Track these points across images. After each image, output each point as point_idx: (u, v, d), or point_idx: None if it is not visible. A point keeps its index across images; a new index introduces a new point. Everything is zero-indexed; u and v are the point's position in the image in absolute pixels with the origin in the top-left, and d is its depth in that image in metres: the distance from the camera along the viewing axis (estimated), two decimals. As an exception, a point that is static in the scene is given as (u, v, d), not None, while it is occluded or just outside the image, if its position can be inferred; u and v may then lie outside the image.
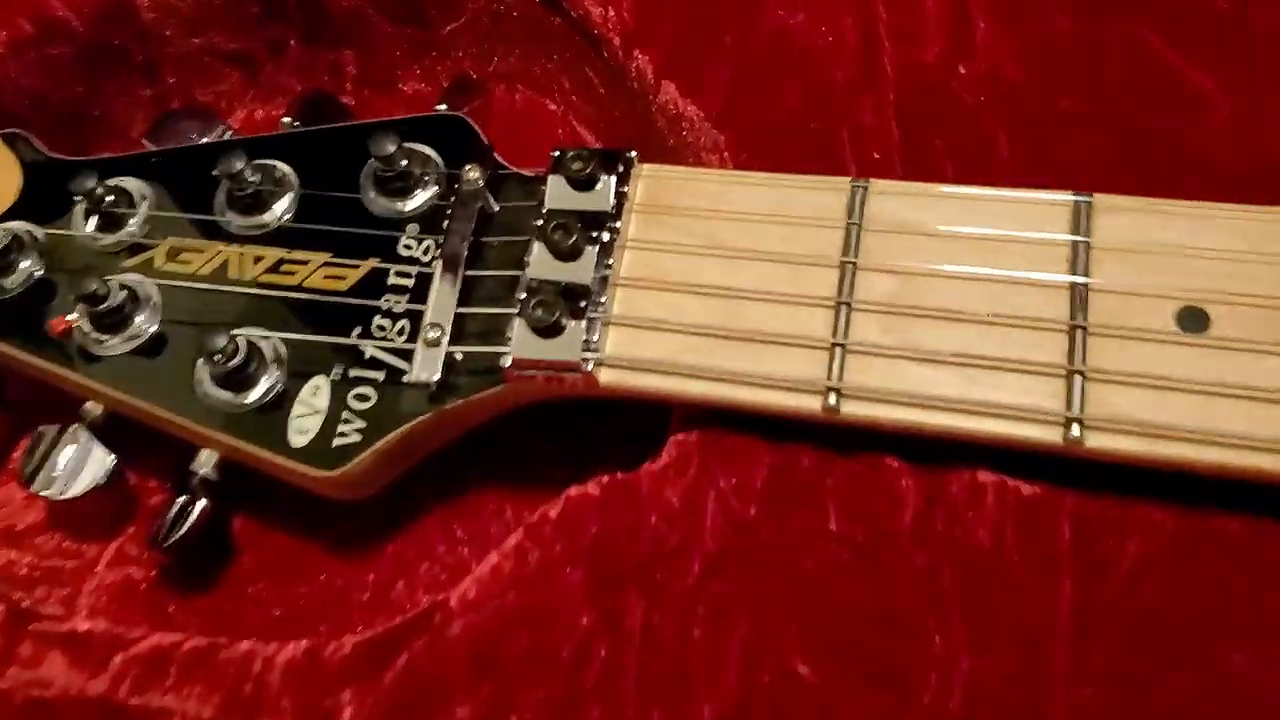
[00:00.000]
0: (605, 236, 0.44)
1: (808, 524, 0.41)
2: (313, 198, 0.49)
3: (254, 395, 0.45)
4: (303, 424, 0.45)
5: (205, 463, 0.47)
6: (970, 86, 0.50)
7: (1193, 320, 0.39)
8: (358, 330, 0.46)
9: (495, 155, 0.49)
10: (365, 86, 0.65)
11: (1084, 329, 0.40)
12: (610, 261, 0.44)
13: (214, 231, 0.49)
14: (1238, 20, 0.49)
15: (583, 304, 0.43)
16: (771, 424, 0.43)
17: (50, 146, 0.53)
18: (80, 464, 0.48)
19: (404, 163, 0.47)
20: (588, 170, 0.45)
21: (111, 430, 0.48)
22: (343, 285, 0.47)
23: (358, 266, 0.47)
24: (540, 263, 0.44)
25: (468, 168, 0.47)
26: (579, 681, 0.40)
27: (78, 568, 0.53)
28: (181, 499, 0.47)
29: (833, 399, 0.40)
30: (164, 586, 0.51)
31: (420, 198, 0.48)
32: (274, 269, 0.48)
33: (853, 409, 0.40)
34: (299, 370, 0.46)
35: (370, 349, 0.45)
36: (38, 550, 0.53)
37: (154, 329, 0.47)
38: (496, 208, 0.47)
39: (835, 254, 0.43)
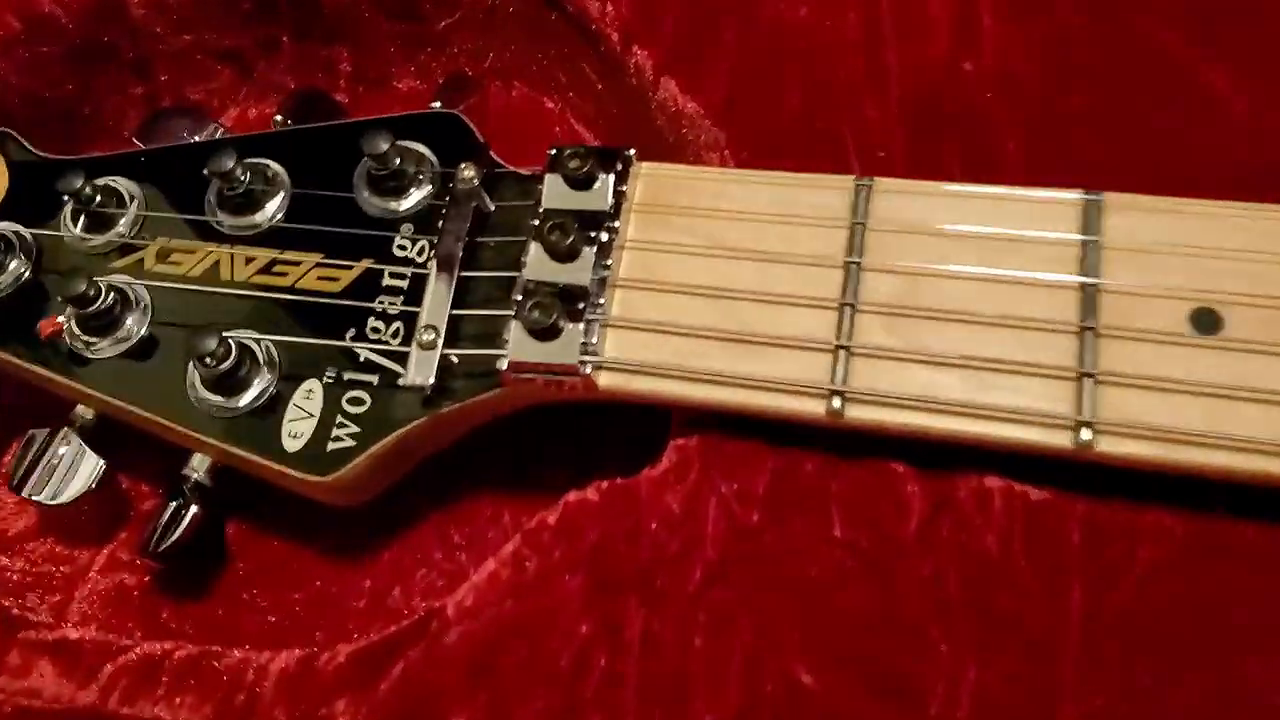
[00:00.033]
0: (603, 237, 0.43)
1: (811, 530, 0.41)
2: (305, 197, 0.48)
3: (246, 399, 0.45)
4: (296, 428, 0.44)
5: (198, 467, 0.46)
6: (977, 83, 0.49)
7: (1206, 322, 0.39)
8: (351, 332, 0.45)
9: (491, 153, 0.48)
10: (359, 84, 0.64)
11: (1094, 330, 0.39)
12: (609, 262, 0.43)
13: (205, 232, 0.48)
14: (1251, 16, 0.48)
15: (581, 306, 0.42)
16: (774, 428, 0.42)
17: (41, 146, 0.53)
18: (71, 469, 0.47)
19: (398, 161, 0.47)
20: (585, 169, 0.44)
21: (103, 434, 0.48)
22: (336, 287, 0.46)
23: (351, 267, 0.46)
24: (537, 263, 0.43)
25: (463, 166, 0.47)
26: (578, 691, 0.40)
27: (69, 574, 0.53)
28: (174, 504, 0.47)
29: (837, 402, 0.40)
30: (157, 593, 0.51)
31: (414, 197, 0.47)
32: (266, 270, 0.47)
33: (857, 413, 0.40)
34: (292, 373, 0.45)
35: (364, 352, 0.45)
36: (28, 556, 0.53)
37: (144, 331, 0.47)
38: (492, 207, 0.47)
39: (839, 254, 0.42)
